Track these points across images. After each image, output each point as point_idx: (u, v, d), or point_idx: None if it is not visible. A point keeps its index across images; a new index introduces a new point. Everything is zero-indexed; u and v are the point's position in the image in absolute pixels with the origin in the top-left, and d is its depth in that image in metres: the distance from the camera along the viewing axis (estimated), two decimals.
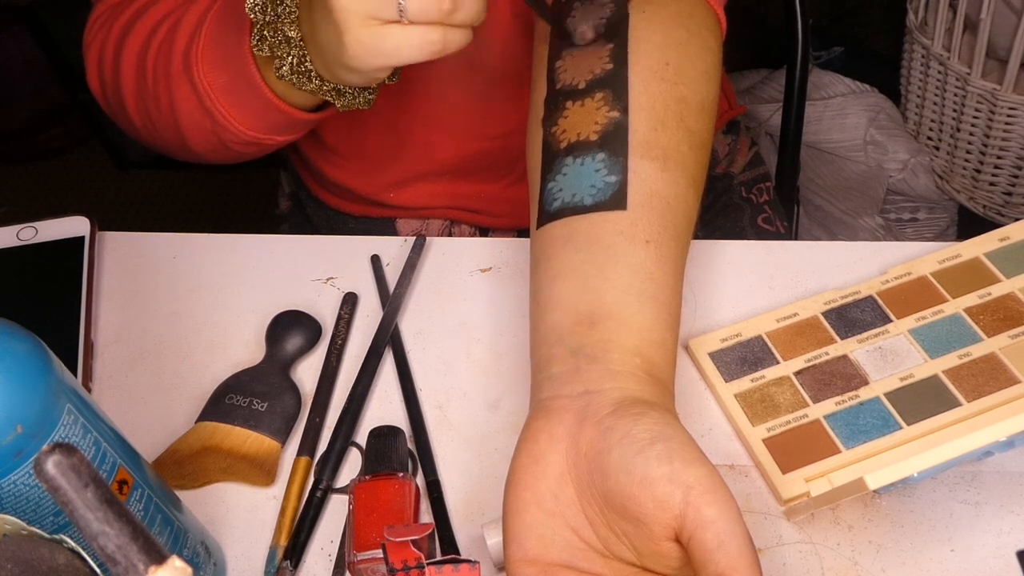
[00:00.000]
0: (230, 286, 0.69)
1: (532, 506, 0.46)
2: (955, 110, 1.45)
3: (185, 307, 0.68)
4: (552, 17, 0.59)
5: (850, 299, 0.61)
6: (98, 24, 0.74)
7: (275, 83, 0.63)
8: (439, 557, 0.44)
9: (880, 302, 0.60)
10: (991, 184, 1.48)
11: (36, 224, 0.71)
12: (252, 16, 0.59)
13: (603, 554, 0.46)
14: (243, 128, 0.66)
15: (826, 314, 0.60)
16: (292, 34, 0.59)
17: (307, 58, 0.59)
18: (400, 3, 0.51)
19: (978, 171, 1.48)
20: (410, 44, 0.52)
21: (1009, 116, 1.38)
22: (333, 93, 0.61)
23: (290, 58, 0.59)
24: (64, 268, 0.68)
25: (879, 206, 1.45)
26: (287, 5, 0.58)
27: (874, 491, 0.45)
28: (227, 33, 0.63)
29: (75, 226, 0.71)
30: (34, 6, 1.71)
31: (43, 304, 0.67)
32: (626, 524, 0.44)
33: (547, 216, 0.54)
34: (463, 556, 0.47)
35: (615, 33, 0.55)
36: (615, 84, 0.54)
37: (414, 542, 0.43)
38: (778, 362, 0.59)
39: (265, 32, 0.59)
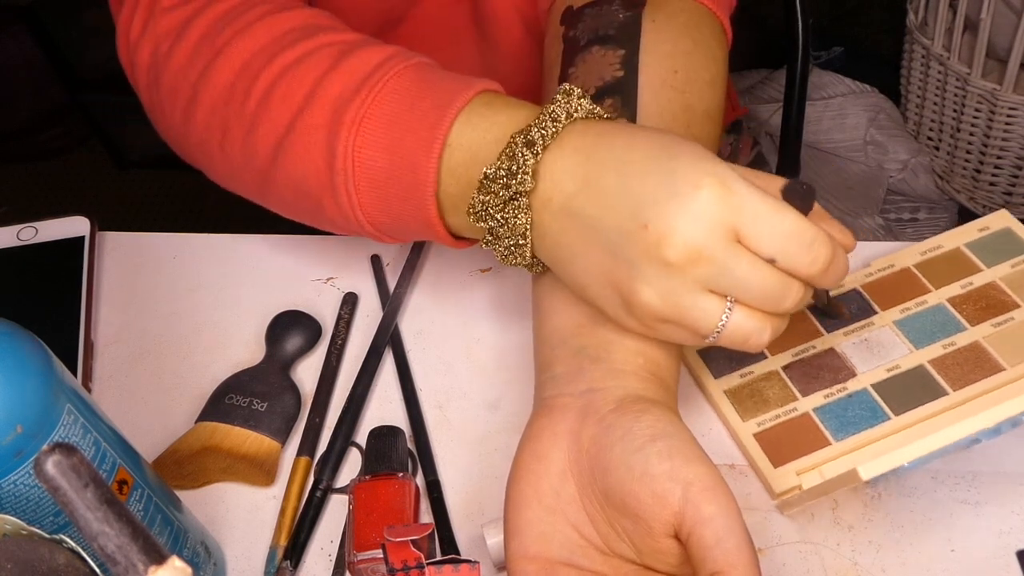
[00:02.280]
0: (230, 286, 0.69)
1: (534, 503, 0.46)
2: (955, 110, 1.45)
3: (185, 307, 0.68)
4: None
5: (835, 292, 0.61)
6: None
7: (445, 200, 0.50)
8: (439, 557, 0.44)
9: (865, 294, 0.61)
10: (991, 184, 1.48)
11: (36, 224, 0.71)
12: (476, 221, 0.48)
13: (603, 551, 0.46)
14: (367, 221, 0.52)
15: (812, 308, 0.61)
16: (522, 221, 0.47)
17: (527, 245, 0.48)
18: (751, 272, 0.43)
19: (978, 171, 1.48)
20: (740, 327, 0.44)
21: (1009, 116, 1.38)
22: (539, 267, 0.51)
23: (510, 238, 0.49)
24: (64, 268, 0.68)
25: (879, 206, 1.45)
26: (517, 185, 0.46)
27: (866, 481, 0.45)
28: (415, 117, 0.49)
29: (75, 226, 0.70)
30: (34, 6, 1.72)
31: (43, 304, 0.67)
32: (626, 521, 0.44)
33: None
34: (463, 556, 0.47)
35: (627, 40, 0.55)
36: (624, 91, 0.54)
37: (414, 542, 0.43)
38: (765, 357, 0.59)
39: (491, 209, 0.47)
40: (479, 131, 0.48)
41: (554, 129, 0.46)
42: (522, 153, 0.46)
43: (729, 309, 0.44)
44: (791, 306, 0.44)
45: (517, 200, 0.47)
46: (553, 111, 0.47)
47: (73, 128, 1.87)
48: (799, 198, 0.45)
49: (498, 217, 0.47)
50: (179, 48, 0.57)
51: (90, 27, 1.66)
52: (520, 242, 0.48)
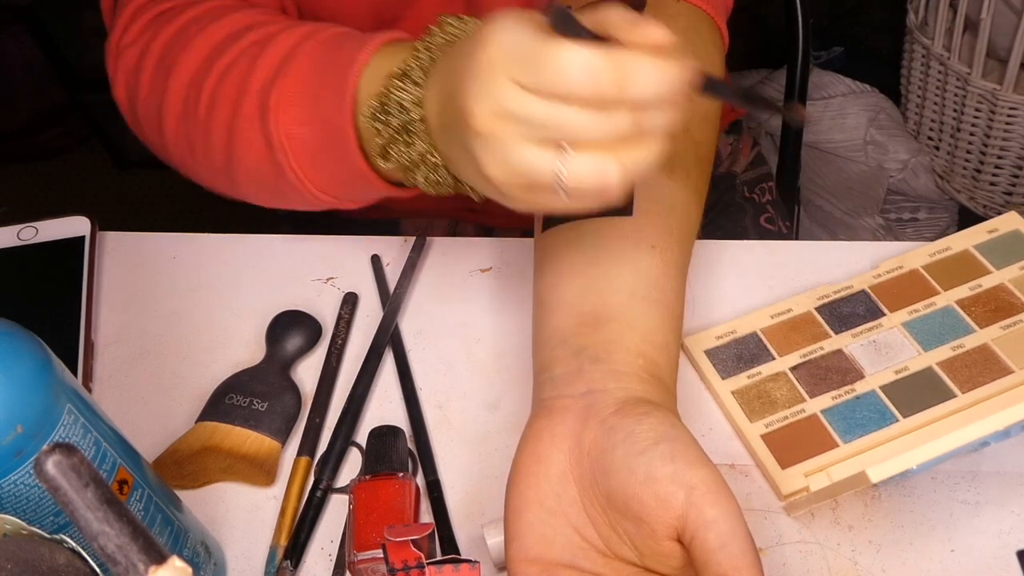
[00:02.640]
0: (230, 286, 0.69)
1: (534, 505, 0.46)
2: (955, 110, 1.45)
3: (185, 307, 0.68)
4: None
5: (843, 294, 0.61)
6: (139, 25, 0.64)
7: (371, 151, 0.52)
8: (439, 557, 0.44)
9: (873, 296, 0.61)
10: (991, 184, 1.48)
11: (36, 224, 0.71)
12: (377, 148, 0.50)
13: (605, 554, 0.46)
14: (319, 191, 0.57)
15: (820, 309, 0.61)
16: (420, 148, 0.49)
17: (439, 167, 0.49)
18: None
19: (978, 171, 1.48)
20: (584, 168, 0.40)
21: (1009, 116, 1.38)
22: (474, 192, 0.50)
23: (423, 168, 0.50)
24: (64, 268, 0.68)
25: (879, 206, 1.45)
26: (405, 116, 0.48)
27: (874, 483, 0.45)
28: (324, 85, 0.53)
29: (75, 226, 0.71)
30: (34, 6, 1.72)
31: (43, 304, 0.67)
32: (628, 524, 0.44)
33: (553, 220, 0.54)
34: (463, 556, 0.47)
35: None
36: None
37: (414, 542, 0.43)
38: (773, 358, 0.59)
39: (389, 148, 0.50)
40: (378, 80, 0.50)
41: (428, 57, 0.48)
42: (395, 86, 0.48)
43: (566, 156, 0.41)
44: (626, 129, 0.40)
45: (409, 130, 0.48)
46: (426, 42, 0.48)
47: (73, 128, 1.87)
48: (564, 23, 0.40)
49: (393, 152, 0.50)
50: (142, 79, 0.63)
51: (90, 27, 1.65)
52: (433, 166, 0.49)
